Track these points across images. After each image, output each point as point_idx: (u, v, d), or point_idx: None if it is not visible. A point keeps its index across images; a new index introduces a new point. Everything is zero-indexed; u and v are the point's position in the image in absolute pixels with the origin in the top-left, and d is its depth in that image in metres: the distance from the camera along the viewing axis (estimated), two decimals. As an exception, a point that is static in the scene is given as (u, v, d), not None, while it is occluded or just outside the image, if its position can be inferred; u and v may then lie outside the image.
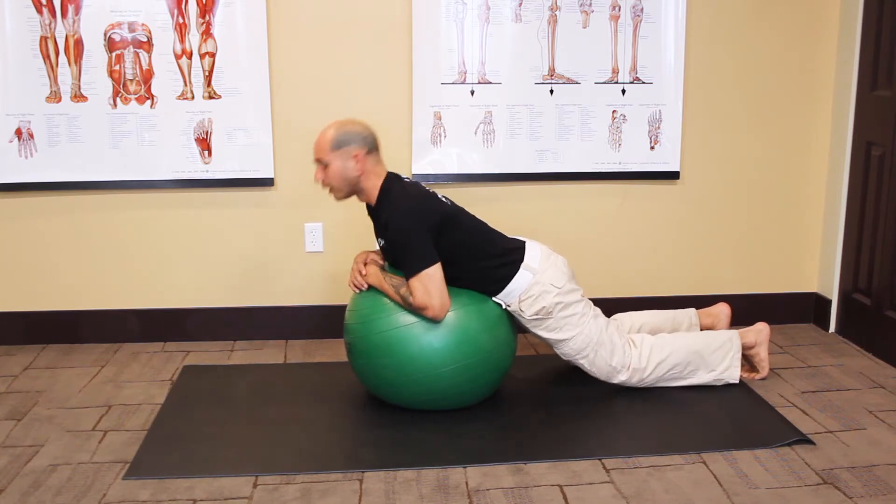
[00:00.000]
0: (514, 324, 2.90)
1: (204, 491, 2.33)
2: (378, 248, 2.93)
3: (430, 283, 2.66)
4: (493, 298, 2.84)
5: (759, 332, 3.11)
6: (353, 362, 2.86)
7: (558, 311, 2.83)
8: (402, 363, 2.69)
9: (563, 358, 2.94)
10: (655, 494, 2.31)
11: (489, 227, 2.91)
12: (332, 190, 2.80)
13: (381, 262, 2.88)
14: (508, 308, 2.86)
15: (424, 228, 2.70)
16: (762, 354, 3.11)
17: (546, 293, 2.81)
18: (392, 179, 2.80)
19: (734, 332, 3.06)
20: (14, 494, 2.31)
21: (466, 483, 2.37)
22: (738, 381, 3.02)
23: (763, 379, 3.11)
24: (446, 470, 2.44)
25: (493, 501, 2.28)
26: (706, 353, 2.98)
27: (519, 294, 2.82)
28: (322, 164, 2.75)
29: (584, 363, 2.89)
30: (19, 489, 2.34)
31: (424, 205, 2.76)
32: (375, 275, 2.79)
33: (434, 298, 2.65)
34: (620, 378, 2.90)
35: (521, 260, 2.84)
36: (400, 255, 2.73)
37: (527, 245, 2.88)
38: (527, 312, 2.83)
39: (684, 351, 2.95)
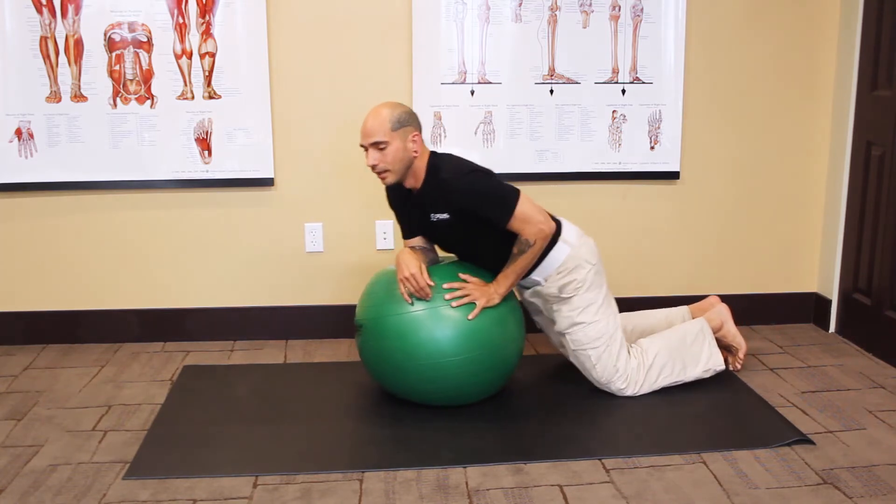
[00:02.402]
0: (523, 323, 2.91)
1: (204, 491, 2.33)
2: (405, 237, 2.95)
3: (528, 212, 2.71)
4: (531, 276, 2.86)
5: (720, 312, 3.17)
6: (362, 346, 2.85)
7: (586, 291, 2.84)
8: (412, 348, 2.68)
9: (572, 350, 2.91)
10: (655, 494, 2.31)
11: None
12: (385, 172, 2.73)
13: (427, 258, 2.85)
14: (542, 286, 2.86)
15: (489, 177, 2.76)
16: (732, 330, 3.16)
17: (580, 267, 2.84)
18: (434, 156, 2.82)
19: (701, 320, 3.09)
20: (14, 494, 2.31)
21: (466, 483, 2.37)
22: (724, 367, 3.05)
23: (743, 359, 3.17)
24: (446, 470, 2.44)
25: (493, 501, 2.28)
26: (684, 349, 2.99)
27: (556, 266, 2.83)
28: (378, 146, 2.69)
29: (592, 356, 2.86)
30: (19, 489, 2.34)
31: (476, 164, 2.82)
32: (487, 291, 2.75)
33: (539, 219, 2.72)
34: (618, 385, 2.89)
35: (559, 234, 2.86)
36: (485, 212, 2.72)
37: (563, 221, 2.92)
38: (559, 283, 2.83)
39: (665, 351, 2.96)
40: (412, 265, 2.70)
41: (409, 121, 2.74)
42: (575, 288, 2.84)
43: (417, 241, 2.93)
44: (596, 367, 2.88)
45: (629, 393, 2.90)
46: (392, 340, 2.72)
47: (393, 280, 2.77)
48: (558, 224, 2.90)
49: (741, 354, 3.17)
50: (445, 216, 2.77)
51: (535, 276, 2.87)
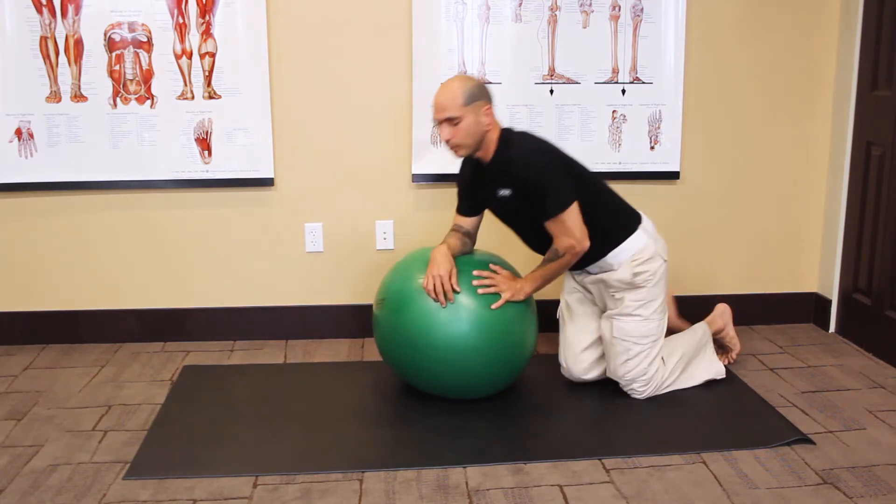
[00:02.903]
0: (537, 327, 2.91)
1: (204, 491, 2.33)
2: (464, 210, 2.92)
3: (571, 224, 2.72)
4: (606, 259, 2.83)
5: (723, 313, 3.20)
6: (379, 322, 2.86)
7: (654, 285, 2.84)
8: (431, 327, 2.69)
9: (612, 337, 2.85)
10: (655, 494, 2.31)
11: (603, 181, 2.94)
12: (458, 147, 2.73)
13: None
14: (614, 271, 2.83)
15: (560, 165, 2.75)
16: (731, 333, 3.21)
17: (654, 260, 2.85)
18: (506, 131, 2.81)
19: (704, 327, 3.10)
20: (14, 494, 2.31)
21: (466, 483, 2.37)
22: (725, 376, 3.05)
23: (737, 356, 3.22)
24: (446, 470, 2.44)
25: (493, 501, 2.28)
26: (692, 356, 3.00)
27: (632, 254, 2.83)
28: (452, 121, 2.69)
29: (631, 350, 2.83)
30: (19, 489, 2.34)
31: (553, 145, 2.81)
32: (514, 285, 2.77)
33: (577, 235, 2.73)
34: (636, 386, 2.88)
35: (640, 222, 2.88)
36: (538, 197, 2.71)
37: (643, 216, 2.94)
38: (633, 270, 2.82)
39: (681, 363, 2.97)
40: (443, 266, 2.71)
41: (480, 94, 2.72)
42: (646, 279, 2.83)
43: (467, 223, 2.93)
44: (628, 363, 2.85)
45: (639, 396, 2.90)
46: (412, 314, 2.72)
47: (424, 261, 2.80)
48: (639, 217, 2.91)
49: (734, 355, 3.21)
50: (508, 192, 2.77)
51: (610, 259, 2.84)
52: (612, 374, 2.92)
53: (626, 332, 2.84)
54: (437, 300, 2.70)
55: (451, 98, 2.68)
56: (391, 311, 2.80)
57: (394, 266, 2.94)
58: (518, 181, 2.73)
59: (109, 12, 3.26)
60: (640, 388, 2.88)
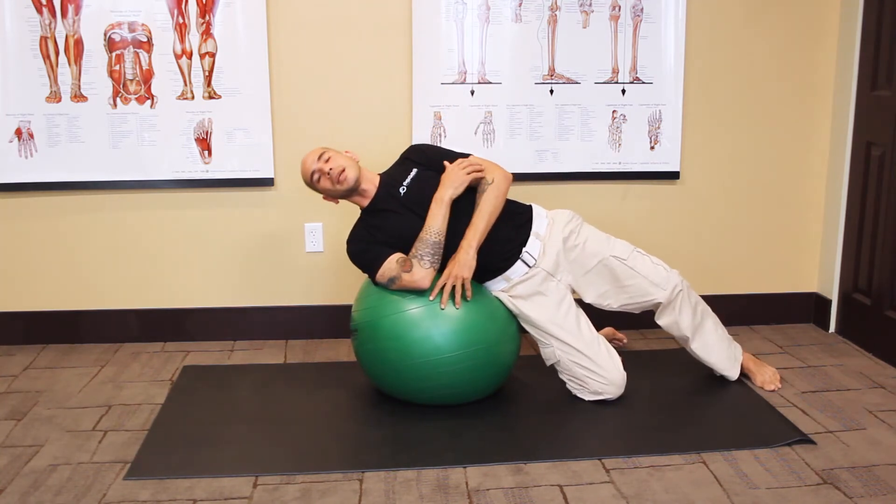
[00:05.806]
0: (517, 322, 2.91)
1: (204, 491, 2.33)
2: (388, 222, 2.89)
3: (481, 159, 2.89)
4: (528, 250, 2.86)
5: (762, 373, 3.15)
6: (359, 350, 2.86)
7: (589, 231, 2.98)
8: (407, 347, 2.69)
9: (629, 269, 2.92)
10: (655, 494, 2.31)
11: None
12: (342, 169, 2.79)
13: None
14: (546, 243, 2.88)
15: None
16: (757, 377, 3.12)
17: (571, 221, 2.97)
18: None
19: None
20: (14, 494, 2.31)
21: (466, 483, 2.37)
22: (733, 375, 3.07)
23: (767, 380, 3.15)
24: (446, 470, 2.44)
25: (493, 501, 2.28)
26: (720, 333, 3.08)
27: (545, 226, 2.92)
28: (323, 156, 2.83)
29: (636, 264, 2.93)
30: (19, 489, 2.34)
31: None
32: (457, 260, 2.76)
33: (493, 161, 2.92)
34: (675, 276, 2.96)
35: (532, 210, 2.98)
36: (439, 162, 2.87)
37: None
38: (562, 236, 2.91)
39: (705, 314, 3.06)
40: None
41: None
42: (578, 232, 2.94)
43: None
44: (649, 275, 2.93)
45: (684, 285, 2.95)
46: (387, 341, 2.73)
47: (379, 288, 2.80)
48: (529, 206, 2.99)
49: (765, 378, 3.07)
50: (415, 170, 2.88)
51: (530, 247, 2.86)
52: (657, 300, 2.95)
53: (625, 259, 2.93)
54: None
55: (316, 150, 2.88)
56: (366, 340, 2.80)
57: (357, 296, 2.91)
58: (416, 159, 2.92)
59: (109, 12, 3.26)
60: (676, 274, 2.96)
